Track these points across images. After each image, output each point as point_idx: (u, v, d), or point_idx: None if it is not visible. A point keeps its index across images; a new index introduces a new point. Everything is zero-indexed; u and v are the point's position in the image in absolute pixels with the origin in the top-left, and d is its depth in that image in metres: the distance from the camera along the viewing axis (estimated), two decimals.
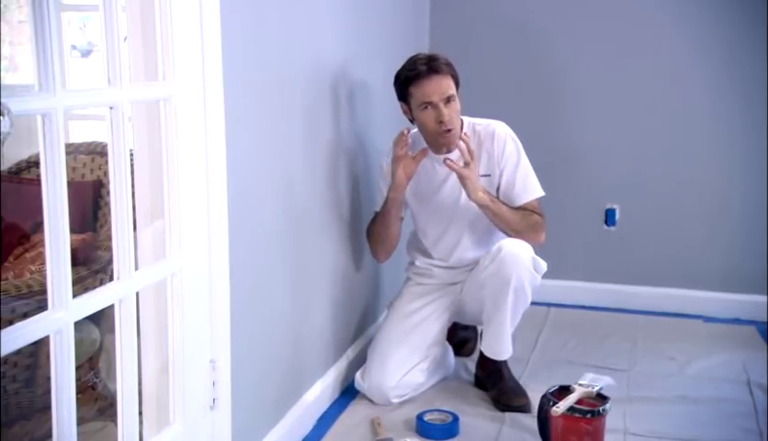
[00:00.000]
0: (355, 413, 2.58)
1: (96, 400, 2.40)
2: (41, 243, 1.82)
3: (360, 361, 2.80)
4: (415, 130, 2.73)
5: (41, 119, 1.31)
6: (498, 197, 2.66)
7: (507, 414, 2.56)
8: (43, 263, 1.44)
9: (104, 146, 2.48)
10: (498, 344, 2.63)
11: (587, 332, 3.31)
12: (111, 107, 1.48)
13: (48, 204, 1.33)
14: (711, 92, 3.44)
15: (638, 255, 3.61)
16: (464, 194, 2.59)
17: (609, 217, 3.63)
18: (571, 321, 3.46)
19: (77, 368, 1.45)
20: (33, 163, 2.90)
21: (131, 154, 1.59)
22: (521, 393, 2.62)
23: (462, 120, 2.67)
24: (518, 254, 2.52)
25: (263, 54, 2.06)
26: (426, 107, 2.56)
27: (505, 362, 2.68)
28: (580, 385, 2.28)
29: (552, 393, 2.30)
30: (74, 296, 1.40)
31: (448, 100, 2.55)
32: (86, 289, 1.53)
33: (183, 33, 1.67)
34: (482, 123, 2.70)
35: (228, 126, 1.83)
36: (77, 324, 1.41)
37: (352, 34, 2.75)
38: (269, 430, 2.21)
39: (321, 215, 2.54)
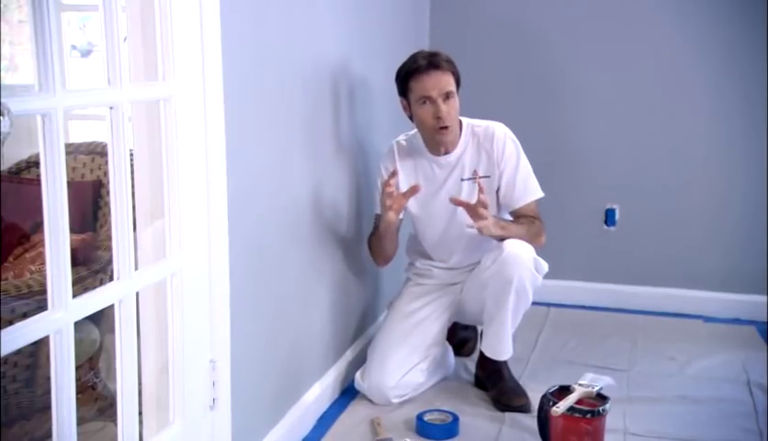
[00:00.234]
0: (355, 413, 2.58)
1: (96, 400, 2.40)
2: (41, 243, 1.82)
3: (360, 361, 2.80)
4: (413, 131, 2.73)
5: (41, 119, 1.31)
6: (498, 199, 2.66)
7: (507, 414, 2.56)
8: (43, 263, 1.44)
9: (104, 146, 2.49)
10: (499, 345, 2.63)
11: (587, 332, 3.31)
12: (111, 107, 1.48)
13: (48, 204, 1.33)
14: (711, 92, 3.44)
15: (637, 255, 3.61)
16: (463, 195, 2.60)
17: (609, 217, 3.62)
18: (571, 321, 3.46)
19: (77, 368, 1.44)
20: (33, 164, 2.90)
21: (131, 154, 1.59)
22: (521, 393, 2.62)
23: (461, 121, 2.67)
24: (520, 255, 2.52)
25: (263, 54, 2.06)
26: (425, 102, 2.56)
27: (505, 362, 2.68)
28: (580, 385, 2.28)
29: (552, 393, 2.30)
30: (74, 296, 1.39)
31: (447, 97, 2.55)
32: (86, 289, 1.53)
33: (183, 33, 1.67)
34: (481, 125, 2.70)
35: (228, 126, 1.83)
36: (77, 324, 1.41)
37: (352, 34, 2.75)
38: (269, 430, 2.21)
39: (322, 215, 2.54)
